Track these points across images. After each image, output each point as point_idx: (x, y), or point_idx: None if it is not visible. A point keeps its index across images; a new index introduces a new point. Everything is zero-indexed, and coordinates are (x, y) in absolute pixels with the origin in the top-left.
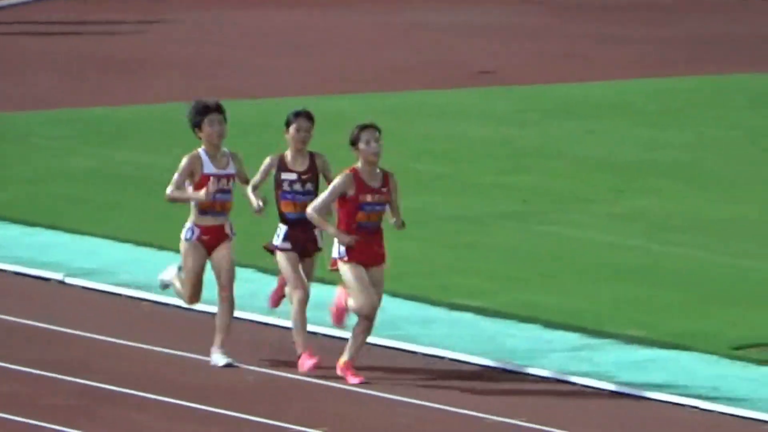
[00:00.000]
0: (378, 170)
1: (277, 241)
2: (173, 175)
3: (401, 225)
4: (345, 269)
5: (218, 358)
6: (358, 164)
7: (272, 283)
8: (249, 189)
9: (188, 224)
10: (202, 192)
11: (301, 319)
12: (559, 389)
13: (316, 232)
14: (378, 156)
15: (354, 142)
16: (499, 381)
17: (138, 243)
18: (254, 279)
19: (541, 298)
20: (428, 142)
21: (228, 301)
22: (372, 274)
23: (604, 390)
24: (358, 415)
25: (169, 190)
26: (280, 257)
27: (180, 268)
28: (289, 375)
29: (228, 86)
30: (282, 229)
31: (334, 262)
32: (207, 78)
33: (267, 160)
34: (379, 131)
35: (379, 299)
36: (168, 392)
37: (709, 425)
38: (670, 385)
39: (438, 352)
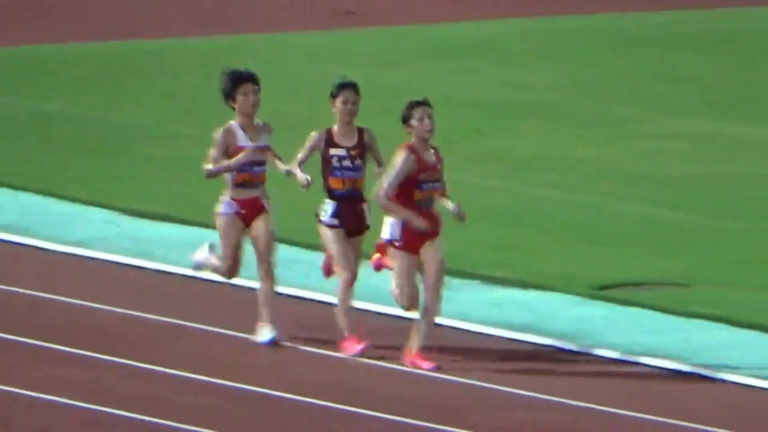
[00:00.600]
0: (430, 147)
1: (325, 216)
2: (209, 151)
3: (460, 214)
4: (397, 256)
5: (265, 333)
6: (412, 141)
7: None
8: (294, 165)
9: (224, 198)
10: (235, 159)
11: (346, 299)
12: None
13: (364, 207)
14: (432, 133)
15: (406, 120)
16: (361, 321)
17: (40, 193)
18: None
19: None
20: (293, 84)
21: (269, 275)
22: (426, 249)
23: (466, 330)
24: (222, 356)
25: (206, 165)
26: (327, 233)
27: (211, 246)
28: (153, 317)
29: (102, 26)
30: (330, 204)
31: (381, 248)
32: (82, 18)
33: (313, 135)
34: (432, 107)
35: (442, 261)
36: (31, 334)
37: (570, 365)
38: (532, 325)
39: (302, 293)
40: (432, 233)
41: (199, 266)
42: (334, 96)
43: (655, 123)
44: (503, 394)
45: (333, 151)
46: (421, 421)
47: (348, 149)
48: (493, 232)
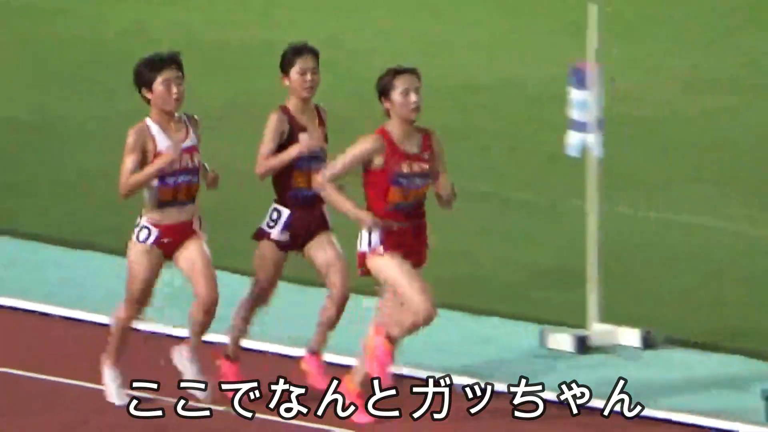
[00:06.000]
0: (416, 130)
1: (273, 230)
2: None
3: (449, 199)
4: (383, 264)
5: (110, 381)
6: (389, 123)
7: None
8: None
9: (142, 221)
10: (162, 159)
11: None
12: None
13: (324, 208)
14: (417, 112)
15: (385, 92)
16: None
17: None
18: None
19: None
20: None
21: (210, 314)
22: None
23: None
24: None
25: (123, 179)
26: (265, 248)
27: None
28: None
29: None
30: (282, 213)
31: (362, 259)
32: None
33: (274, 118)
34: (420, 78)
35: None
36: None
37: None
38: None
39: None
40: (417, 253)
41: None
42: (286, 65)
43: None
44: None
45: (303, 137)
46: None
47: None
48: None
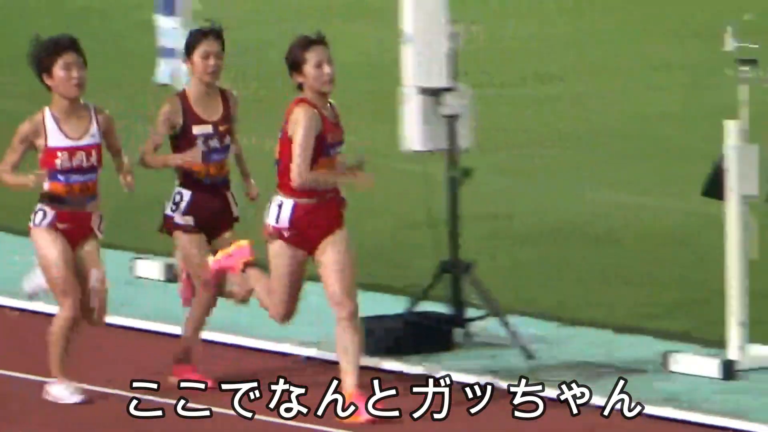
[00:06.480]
0: (327, 100)
1: (176, 213)
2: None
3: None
4: (276, 252)
5: (62, 392)
6: (307, 94)
7: None
8: (149, 156)
9: (38, 206)
10: (30, 177)
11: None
12: None
13: (229, 195)
14: (333, 84)
15: (297, 65)
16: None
17: None
18: None
19: None
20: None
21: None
22: (334, 243)
23: None
24: None
25: None
26: (182, 240)
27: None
28: None
29: None
30: (184, 194)
31: (266, 229)
32: None
33: (166, 108)
34: (329, 48)
35: (350, 254)
36: None
37: None
38: None
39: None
40: (335, 220)
41: (35, 293)
42: (190, 48)
43: None
44: None
45: (197, 130)
46: None
47: (215, 124)
48: None
